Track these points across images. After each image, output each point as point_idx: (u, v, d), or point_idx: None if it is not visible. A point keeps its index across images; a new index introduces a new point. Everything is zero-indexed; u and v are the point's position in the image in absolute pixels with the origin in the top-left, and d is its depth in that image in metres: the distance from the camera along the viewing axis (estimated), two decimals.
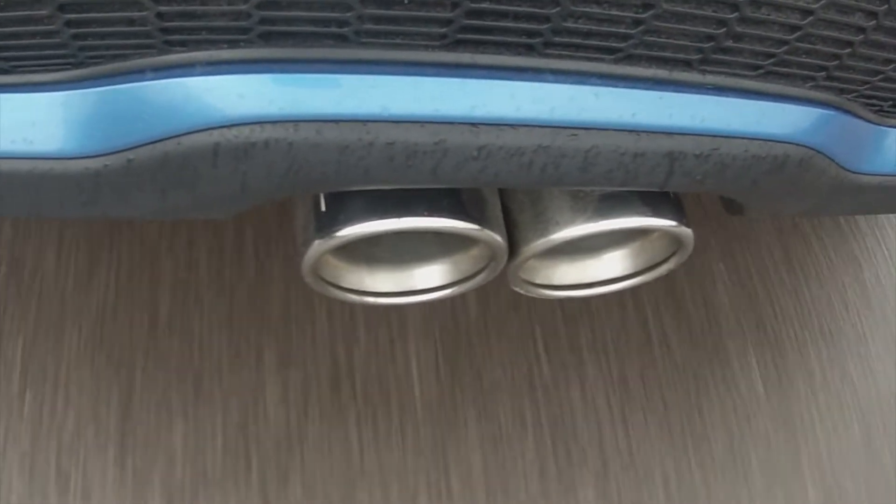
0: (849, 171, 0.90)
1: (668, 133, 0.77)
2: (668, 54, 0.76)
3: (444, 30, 0.70)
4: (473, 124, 0.73)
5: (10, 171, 0.73)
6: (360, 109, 0.71)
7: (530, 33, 0.72)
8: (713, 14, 0.73)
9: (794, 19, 0.74)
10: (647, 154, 0.77)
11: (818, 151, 0.84)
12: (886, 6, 0.75)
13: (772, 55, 0.77)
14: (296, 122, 0.71)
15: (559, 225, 0.93)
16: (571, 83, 0.75)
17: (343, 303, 1.39)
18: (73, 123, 0.72)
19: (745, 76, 0.79)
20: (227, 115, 0.70)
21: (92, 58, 0.71)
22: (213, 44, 0.70)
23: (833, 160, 0.87)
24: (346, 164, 0.73)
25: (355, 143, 0.72)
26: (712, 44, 0.75)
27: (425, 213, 0.87)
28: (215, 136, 0.70)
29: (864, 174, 0.92)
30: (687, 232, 0.95)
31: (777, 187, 0.86)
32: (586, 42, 0.73)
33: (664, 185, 0.80)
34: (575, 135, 0.75)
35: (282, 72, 0.70)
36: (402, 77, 0.72)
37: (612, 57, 0.75)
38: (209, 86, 0.70)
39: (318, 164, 0.72)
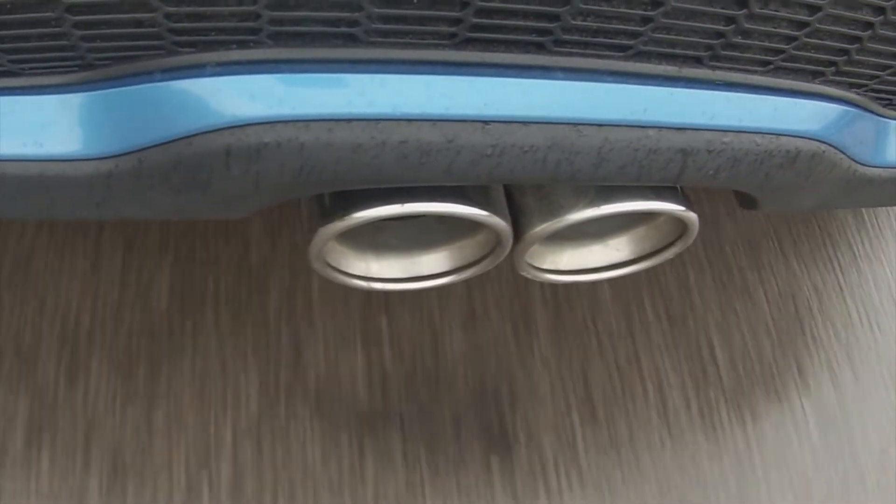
0: (860, 164, 0.90)
1: (680, 129, 0.78)
2: (677, 51, 0.76)
3: (453, 29, 0.70)
4: (485, 122, 0.73)
5: (21, 173, 0.72)
6: (371, 109, 0.71)
7: (540, 31, 0.72)
8: (722, 10, 0.73)
9: (803, 15, 0.75)
10: (659, 150, 0.78)
11: (830, 145, 0.85)
12: (894, 1, 0.76)
13: (781, 51, 0.78)
14: (307, 122, 0.71)
15: (563, 208, 0.92)
16: (582, 80, 0.75)
17: None
18: (82, 125, 0.72)
19: (754, 72, 0.79)
20: (238, 116, 0.70)
21: (101, 59, 0.71)
22: (223, 44, 0.69)
23: (844, 153, 0.87)
24: (360, 163, 0.73)
25: (368, 142, 0.72)
26: (721, 40, 0.75)
27: (429, 198, 0.87)
28: (227, 136, 0.70)
29: (876, 167, 0.92)
30: (692, 216, 0.95)
31: (790, 181, 0.86)
32: (596, 39, 0.74)
33: (678, 179, 0.81)
34: (587, 132, 0.76)
35: (292, 72, 0.70)
36: (413, 76, 0.72)
37: (622, 54, 0.75)
38: (219, 87, 0.70)
39: (330, 164, 0.72)
